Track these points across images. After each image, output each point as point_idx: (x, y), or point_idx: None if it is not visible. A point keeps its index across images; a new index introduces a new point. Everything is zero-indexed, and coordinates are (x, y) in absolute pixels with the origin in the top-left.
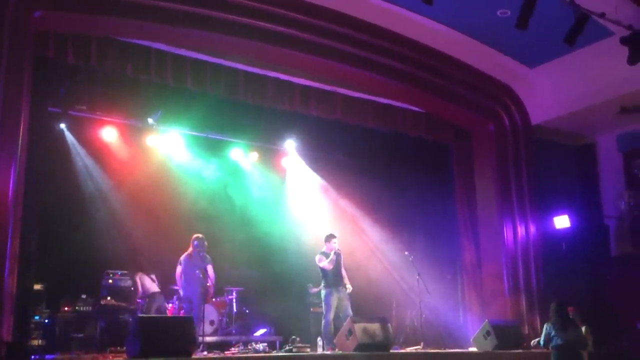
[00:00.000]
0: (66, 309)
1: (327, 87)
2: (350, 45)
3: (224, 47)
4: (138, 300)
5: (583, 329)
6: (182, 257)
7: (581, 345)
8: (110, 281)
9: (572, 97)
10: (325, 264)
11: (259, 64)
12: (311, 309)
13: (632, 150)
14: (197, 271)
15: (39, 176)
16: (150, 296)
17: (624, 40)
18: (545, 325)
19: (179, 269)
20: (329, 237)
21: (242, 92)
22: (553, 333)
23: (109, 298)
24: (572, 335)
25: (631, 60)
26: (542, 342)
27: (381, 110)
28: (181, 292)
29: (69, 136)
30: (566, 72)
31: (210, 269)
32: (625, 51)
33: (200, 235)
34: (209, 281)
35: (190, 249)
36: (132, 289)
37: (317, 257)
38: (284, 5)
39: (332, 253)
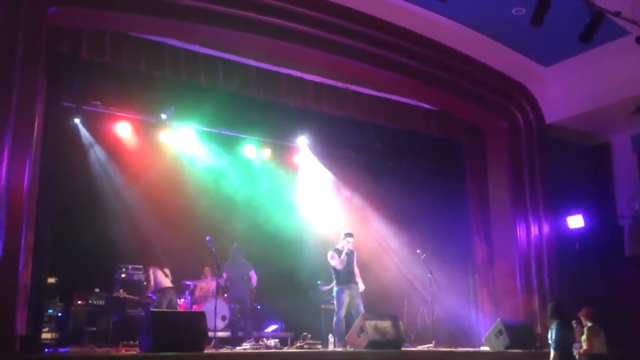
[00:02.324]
0: (79, 302)
1: (339, 84)
2: (363, 43)
3: (237, 44)
4: (150, 295)
5: (588, 329)
6: (225, 264)
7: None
8: (123, 275)
9: (587, 96)
10: (336, 263)
11: (272, 60)
12: (322, 306)
13: None
14: (244, 276)
15: (53, 171)
16: (162, 291)
17: (639, 40)
18: (554, 326)
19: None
20: (346, 235)
21: (254, 88)
22: (551, 331)
23: (121, 292)
24: (569, 335)
25: None
26: (555, 345)
27: (392, 107)
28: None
29: (83, 131)
30: (581, 71)
31: (252, 273)
32: None
33: (234, 246)
34: (252, 284)
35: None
36: (145, 283)
37: (330, 254)
38: (297, 2)
39: (344, 253)
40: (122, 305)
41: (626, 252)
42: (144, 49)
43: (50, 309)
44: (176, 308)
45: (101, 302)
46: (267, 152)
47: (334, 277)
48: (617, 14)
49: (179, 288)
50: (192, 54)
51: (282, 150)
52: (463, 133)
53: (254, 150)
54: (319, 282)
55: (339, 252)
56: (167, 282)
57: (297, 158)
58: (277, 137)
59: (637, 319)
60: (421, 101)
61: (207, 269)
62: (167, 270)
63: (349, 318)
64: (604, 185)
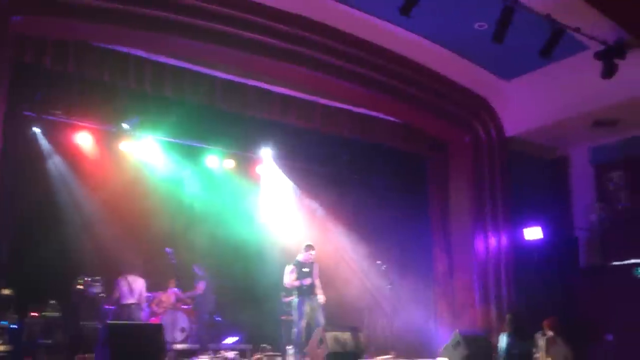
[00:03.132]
0: (34, 314)
1: (307, 97)
2: (329, 55)
3: (204, 55)
4: (107, 307)
5: (546, 339)
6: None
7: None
8: (80, 287)
9: (547, 110)
10: (287, 280)
11: (239, 72)
12: (282, 317)
13: (604, 163)
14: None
15: (11, 180)
16: (122, 306)
17: (598, 55)
18: (501, 337)
19: None
20: (308, 247)
21: (220, 100)
22: (508, 343)
23: (78, 303)
24: (525, 346)
25: (605, 74)
26: (502, 354)
27: (359, 120)
28: None
29: (42, 141)
30: (541, 85)
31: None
32: (599, 65)
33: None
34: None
35: None
36: (102, 295)
37: (289, 268)
38: (264, 14)
39: (296, 273)
40: (78, 317)
41: (581, 263)
42: (108, 59)
43: (4, 320)
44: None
45: (56, 314)
46: (230, 163)
47: (294, 288)
48: (577, 29)
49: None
50: (158, 65)
51: (246, 161)
52: (428, 146)
53: (216, 161)
54: (282, 293)
55: (301, 264)
56: (130, 298)
57: (260, 169)
58: (240, 148)
59: (594, 329)
60: (386, 114)
61: (171, 281)
62: (138, 282)
63: (308, 329)
64: (562, 197)
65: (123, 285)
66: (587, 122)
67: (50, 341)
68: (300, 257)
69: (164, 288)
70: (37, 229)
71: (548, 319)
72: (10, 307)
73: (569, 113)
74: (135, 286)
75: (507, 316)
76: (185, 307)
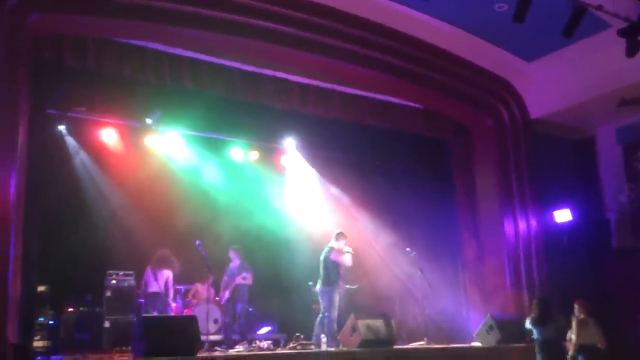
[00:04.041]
0: (70, 309)
1: (325, 85)
2: (347, 42)
3: (221, 46)
4: (140, 300)
5: (577, 321)
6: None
7: (557, 341)
8: (114, 281)
9: (571, 90)
10: (346, 260)
11: (257, 62)
12: (314, 306)
13: (632, 142)
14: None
15: (39, 179)
16: (148, 296)
17: (621, 33)
18: (528, 321)
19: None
20: (341, 236)
21: (239, 91)
22: (532, 327)
23: (112, 298)
24: (549, 332)
25: (629, 52)
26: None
27: (379, 107)
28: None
29: (68, 138)
30: (564, 66)
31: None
32: (623, 43)
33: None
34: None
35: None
36: (136, 288)
37: (333, 254)
38: (281, 3)
39: (347, 253)
40: (114, 311)
41: (613, 244)
42: (127, 53)
43: (41, 317)
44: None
45: (92, 309)
46: (254, 155)
47: (324, 277)
48: (599, 7)
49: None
50: (176, 58)
51: (270, 152)
52: (451, 131)
53: (241, 153)
54: (310, 283)
55: (339, 251)
56: (155, 286)
57: (284, 160)
58: (264, 140)
59: (626, 311)
60: (407, 100)
61: (208, 274)
62: (163, 272)
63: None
64: (590, 179)
65: (148, 275)
66: (612, 101)
67: (87, 336)
68: (335, 245)
69: (200, 279)
70: (66, 226)
71: (578, 300)
72: (47, 303)
73: (593, 93)
74: (160, 276)
75: (534, 301)
76: (218, 298)
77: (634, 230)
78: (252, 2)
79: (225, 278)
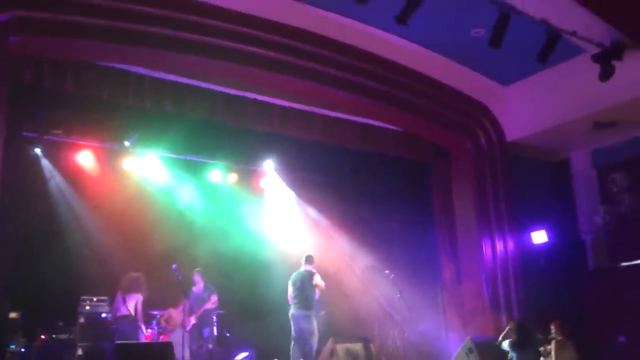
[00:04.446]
0: (42, 337)
1: (306, 108)
2: (327, 66)
3: (203, 70)
4: (114, 327)
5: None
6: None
7: None
8: (87, 307)
9: (546, 114)
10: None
11: (238, 85)
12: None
13: (606, 165)
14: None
15: (12, 202)
16: (115, 320)
17: (595, 58)
18: (502, 343)
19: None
20: (313, 258)
21: (221, 114)
22: (510, 351)
23: (86, 325)
24: (528, 355)
25: (602, 77)
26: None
27: (360, 129)
28: None
29: (43, 160)
30: (540, 90)
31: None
32: (597, 68)
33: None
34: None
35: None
36: (110, 314)
37: (318, 276)
38: (262, 27)
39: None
40: (87, 338)
41: (589, 266)
42: (107, 77)
43: (12, 344)
44: (133, 338)
45: (65, 336)
46: (233, 177)
47: (311, 302)
48: (573, 33)
49: (146, 317)
50: (157, 81)
51: (249, 175)
52: (430, 154)
53: (220, 175)
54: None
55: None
56: (124, 309)
57: (263, 182)
58: (243, 162)
59: (601, 332)
60: (386, 122)
61: (182, 298)
62: (132, 296)
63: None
64: (566, 200)
65: (118, 300)
66: (587, 124)
67: None
68: (308, 267)
69: (173, 304)
70: (41, 251)
71: (555, 321)
72: (18, 330)
73: (568, 116)
74: (129, 299)
75: (512, 324)
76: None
77: (609, 251)
78: (235, 26)
79: (188, 303)
